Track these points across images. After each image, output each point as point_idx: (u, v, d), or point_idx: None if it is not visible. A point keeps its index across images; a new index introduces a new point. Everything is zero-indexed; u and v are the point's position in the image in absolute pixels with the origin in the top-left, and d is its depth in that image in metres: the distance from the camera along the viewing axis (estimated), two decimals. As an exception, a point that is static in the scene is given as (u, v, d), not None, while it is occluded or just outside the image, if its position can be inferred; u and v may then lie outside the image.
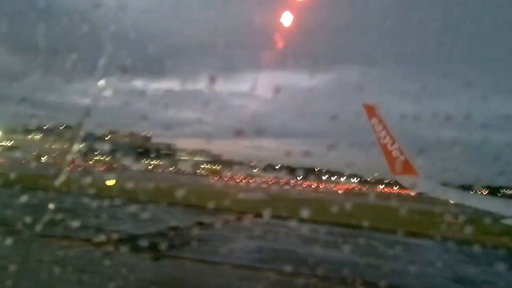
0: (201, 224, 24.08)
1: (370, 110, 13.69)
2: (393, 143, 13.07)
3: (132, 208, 22.79)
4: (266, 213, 25.46)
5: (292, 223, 24.07)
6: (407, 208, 33.78)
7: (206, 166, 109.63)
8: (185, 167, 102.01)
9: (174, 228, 21.84)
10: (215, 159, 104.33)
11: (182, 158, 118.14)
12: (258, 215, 26.88)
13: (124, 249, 15.06)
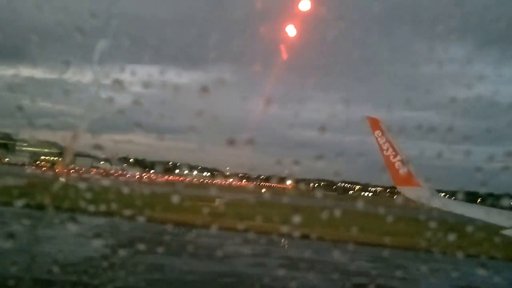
0: None
1: (374, 123, 14.29)
2: (396, 155, 13.83)
3: None
4: None
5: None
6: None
7: (46, 158, 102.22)
8: (22, 158, 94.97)
9: None
10: (63, 151, 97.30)
11: (22, 149, 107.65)
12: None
13: None
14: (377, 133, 14.16)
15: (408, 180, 13.62)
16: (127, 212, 20.29)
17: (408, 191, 13.68)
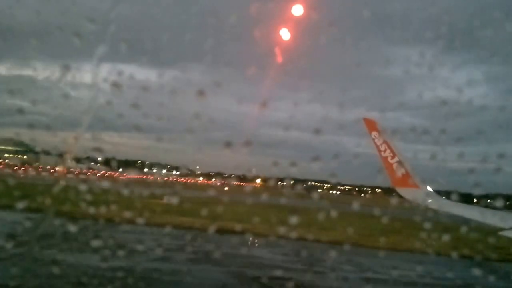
0: None
1: (370, 124, 14.25)
2: (394, 156, 13.85)
3: None
4: None
5: None
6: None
7: (8, 156, 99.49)
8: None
9: None
10: (28, 149, 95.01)
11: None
12: None
13: None
14: (374, 134, 14.14)
15: (406, 181, 13.67)
16: (60, 208, 19.53)
17: (405, 192, 13.73)
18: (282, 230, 19.43)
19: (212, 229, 21.46)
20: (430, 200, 13.32)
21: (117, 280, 12.77)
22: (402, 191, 13.80)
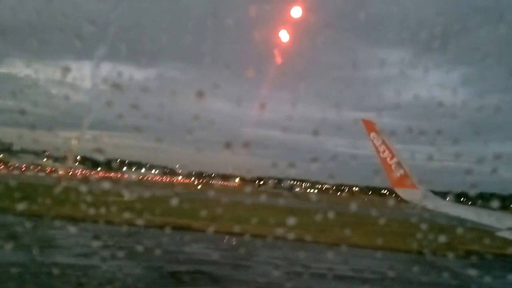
0: None
1: (369, 125, 14.35)
2: (393, 157, 14.00)
3: None
4: None
5: None
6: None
7: None
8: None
9: None
10: (4, 148, 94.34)
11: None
12: None
13: None
14: (373, 135, 14.25)
15: (404, 182, 13.85)
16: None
17: (404, 193, 13.90)
18: (233, 226, 18.62)
19: (157, 225, 20.91)
20: (426, 201, 13.52)
21: (22, 276, 12.46)
22: (400, 191, 13.97)
